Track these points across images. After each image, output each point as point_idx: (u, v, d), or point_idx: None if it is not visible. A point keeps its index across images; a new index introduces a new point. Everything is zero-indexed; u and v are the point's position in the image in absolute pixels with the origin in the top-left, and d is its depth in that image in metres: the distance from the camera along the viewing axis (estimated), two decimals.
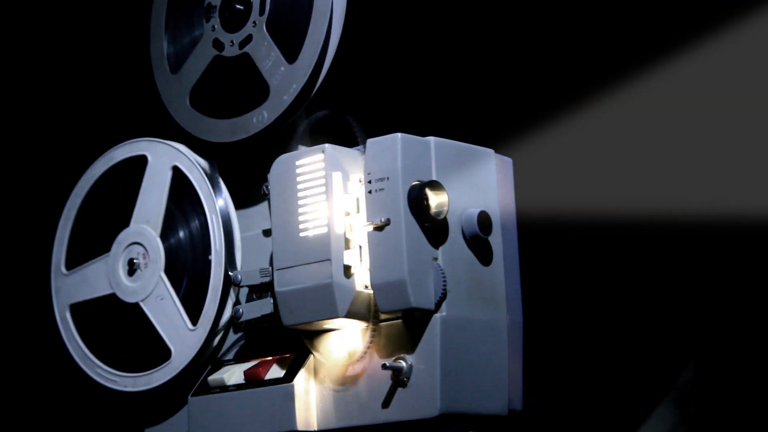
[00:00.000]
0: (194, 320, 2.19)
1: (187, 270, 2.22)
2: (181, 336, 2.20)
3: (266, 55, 2.16)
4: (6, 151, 2.98)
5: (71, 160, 2.49)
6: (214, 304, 2.18)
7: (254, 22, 2.19)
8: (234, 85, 2.21)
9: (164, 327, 2.22)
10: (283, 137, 2.17)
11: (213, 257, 2.19)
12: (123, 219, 2.28)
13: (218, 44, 2.22)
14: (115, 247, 2.28)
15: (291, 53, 2.14)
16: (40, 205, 2.71)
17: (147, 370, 2.23)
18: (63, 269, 2.33)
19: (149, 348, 2.23)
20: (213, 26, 2.24)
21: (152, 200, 2.25)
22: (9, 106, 2.98)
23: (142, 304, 2.24)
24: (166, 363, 2.21)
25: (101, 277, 2.28)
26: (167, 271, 2.23)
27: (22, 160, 2.97)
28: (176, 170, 2.24)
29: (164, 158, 2.26)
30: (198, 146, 2.26)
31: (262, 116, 2.16)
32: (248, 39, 2.19)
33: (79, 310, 2.32)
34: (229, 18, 2.22)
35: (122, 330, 2.27)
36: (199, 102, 2.25)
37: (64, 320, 2.32)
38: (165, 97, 2.28)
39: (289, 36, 2.16)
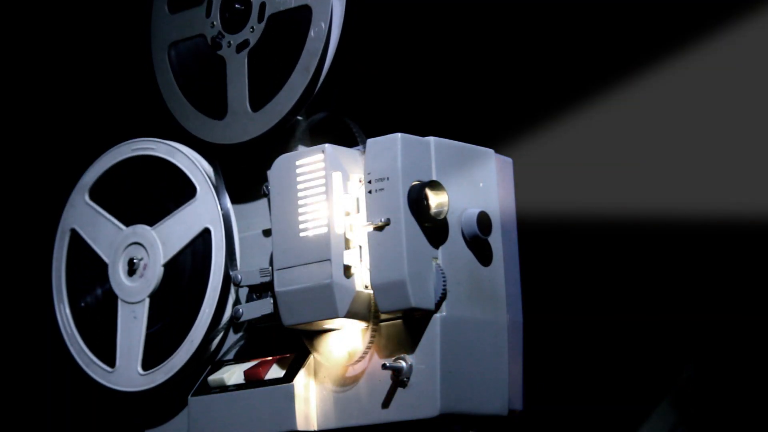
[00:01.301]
0: (149, 363, 2.21)
1: (186, 272, 2.22)
2: (129, 370, 2.22)
3: (236, 82, 2.17)
4: (6, 152, 2.98)
5: (70, 160, 2.49)
6: (213, 304, 2.18)
7: (252, 28, 2.19)
8: (243, 82, 2.21)
9: (122, 343, 2.24)
10: (283, 137, 2.17)
11: (213, 257, 2.20)
12: (145, 212, 2.27)
13: (216, 43, 2.22)
14: (128, 231, 2.27)
15: (258, 98, 2.15)
16: (41, 206, 2.71)
17: (146, 370, 2.23)
18: (87, 197, 2.31)
19: (148, 348, 2.24)
20: (212, 23, 2.24)
21: (177, 234, 2.24)
22: (9, 107, 2.97)
23: (120, 305, 2.25)
24: (163, 364, 2.21)
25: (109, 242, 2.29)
26: (155, 293, 2.23)
27: (21, 161, 2.97)
28: (206, 230, 2.23)
29: (206, 210, 2.23)
30: (199, 146, 2.26)
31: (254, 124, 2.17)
32: (245, 44, 2.19)
33: (79, 310, 2.32)
34: (229, 18, 2.22)
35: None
36: (199, 101, 2.25)
37: (61, 241, 2.32)
38: (164, 91, 2.27)
39: (265, 77, 2.16)
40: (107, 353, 2.27)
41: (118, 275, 2.27)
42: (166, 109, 2.29)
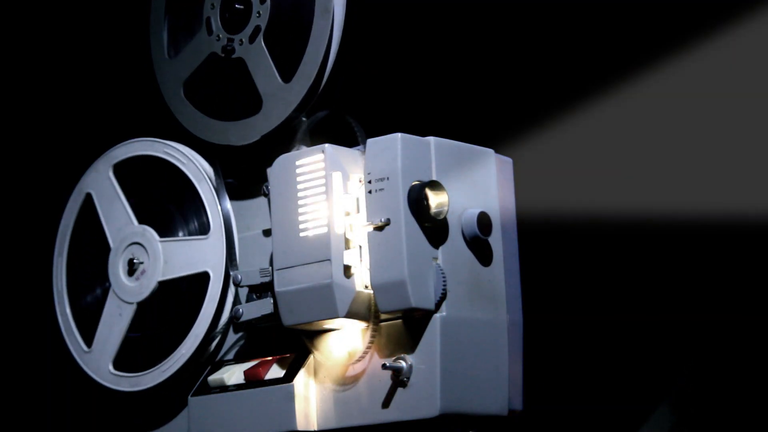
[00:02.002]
0: (122, 365, 2.24)
1: (178, 293, 2.23)
2: (102, 362, 2.25)
3: (260, 67, 2.17)
4: (6, 152, 2.98)
5: (71, 160, 2.49)
6: (213, 304, 2.18)
7: (258, 12, 2.19)
8: (230, 87, 2.21)
9: (102, 331, 2.25)
10: (283, 137, 2.17)
11: (211, 220, 2.20)
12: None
13: (216, 40, 2.22)
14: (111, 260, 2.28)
15: (287, 71, 2.14)
16: (40, 206, 2.71)
17: (145, 370, 2.23)
18: (84, 348, 2.32)
19: (147, 347, 2.24)
20: (210, 18, 2.23)
21: (115, 209, 2.26)
22: (9, 107, 2.98)
23: (111, 295, 2.25)
24: (162, 364, 2.22)
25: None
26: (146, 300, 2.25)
27: (21, 161, 2.97)
28: (138, 161, 2.24)
29: (101, 174, 2.25)
30: (199, 147, 2.26)
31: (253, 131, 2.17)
32: (257, 30, 2.19)
33: (78, 309, 2.32)
34: (229, 18, 2.22)
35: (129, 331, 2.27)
36: (200, 101, 2.25)
37: (75, 202, 2.32)
38: (162, 85, 2.27)
39: (286, 51, 2.15)
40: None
41: (117, 268, 2.27)
42: (168, 110, 2.29)
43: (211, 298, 2.18)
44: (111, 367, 2.25)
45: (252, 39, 2.19)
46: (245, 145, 2.19)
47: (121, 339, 2.24)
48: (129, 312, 2.24)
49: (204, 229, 2.22)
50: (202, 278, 2.19)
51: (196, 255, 2.21)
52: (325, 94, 2.13)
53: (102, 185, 2.31)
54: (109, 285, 2.27)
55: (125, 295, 2.25)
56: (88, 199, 2.32)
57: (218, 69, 2.23)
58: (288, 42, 2.16)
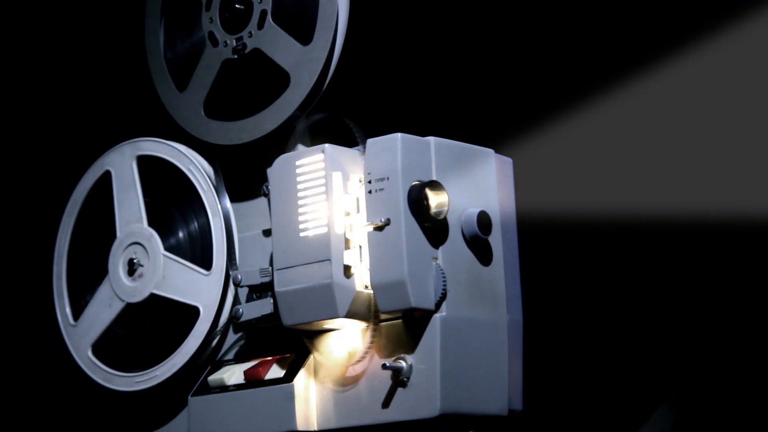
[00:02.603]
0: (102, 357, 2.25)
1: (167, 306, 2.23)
2: (83, 343, 2.26)
3: (278, 44, 2.16)
4: (6, 152, 2.98)
5: (70, 160, 2.49)
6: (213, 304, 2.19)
7: (250, 33, 2.19)
8: (247, 84, 2.21)
9: (90, 312, 2.28)
10: (283, 137, 2.17)
11: (215, 256, 2.20)
12: (112, 230, 2.28)
13: (212, 38, 2.22)
14: (112, 256, 2.28)
15: (303, 37, 2.13)
16: (40, 207, 2.71)
17: (144, 370, 2.23)
18: (71, 320, 2.33)
19: (140, 350, 2.24)
20: (210, 18, 2.23)
21: (130, 199, 2.25)
22: (9, 107, 2.98)
23: (106, 281, 2.27)
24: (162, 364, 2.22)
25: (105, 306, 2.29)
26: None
27: (22, 160, 2.97)
28: (146, 162, 2.23)
29: (125, 157, 2.25)
30: (199, 147, 2.26)
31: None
32: (243, 47, 2.19)
33: (77, 297, 2.32)
34: (229, 19, 2.22)
35: (114, 325, 2.27)
36: (208, 108, 2.24)
37: (87, 360, 2.31)
38: (174, 112, 2.27)
39: (296, 23, 2.15)
40: (107, 352, 2.28)
41: (117, 262, 2.26)
42: (168, 113, 2.29)
43: (196, 335, 2.18)
44: (90, 352, 2.26)
45: (261, 25, 2.18)
46: (245, 144, 2.19)
47: (104, 328, 2.25)
48: (118, 307, 2.25)
49: (207, 259, 2.21)
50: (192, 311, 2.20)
51: (193, 287, 2.20)
52: (328, 93, 2.13)
53: (123, 169, 2.30)
54: (107, 273, 2.27)
55: (120, 288, 2.25)
56: (106, 178, 2.31)
57: (227, 72, 2.22)
58: (296, 18, 2.15)
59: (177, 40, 2.29)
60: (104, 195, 2.31)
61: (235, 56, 2.20)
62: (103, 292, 2.27)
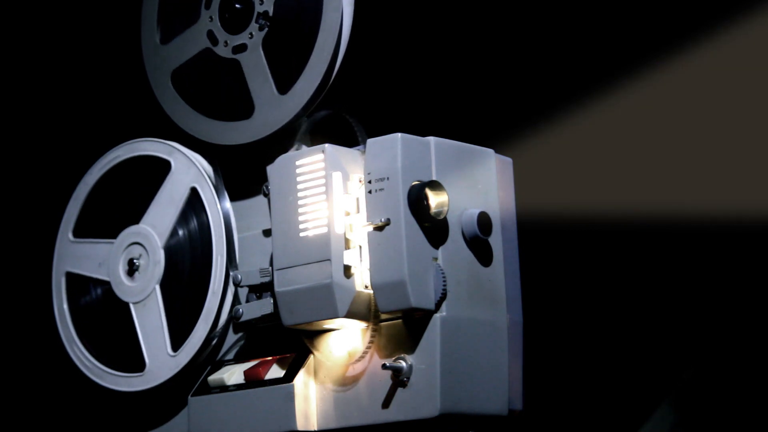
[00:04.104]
0: (176, 344, 2.20)
1: (185, 272, 2.22)
2: (160, 357, 2.21)
3: (257, 74, 2.16)
4: (6, 152, 2.98)
5: (69, 160, 2.49)
6: (214, 304, 2.18)
7: (251, 34, 2.19)
8: (224, 87, 2.21)
9: (146, 339, 2.23)
10: (283, 137, 2.17)
11: (215, 256, 2.20)
12: (134, 214, 2.27)
13: (212, 37, 2.22)
14: (120, 239, 2.27)
15: (283, 82, 2.14)
16: (39, 207, 2.71)
17: (176, 351, 2.23)
18: (70, 235, 2.32)
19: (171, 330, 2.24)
20: (210, 17, 2.23)
21: (164, 210, 2.24)
22: (9, 107, 2.98)
23: (132, 307, 2.24)
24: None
25: (101, 261, 2.28)
26: (163, 282, 2.23)
27: (21, 162, 2.97)
28: (193, 190, 2.23)
29: (186, 174, 2.24)
30: (199, 146, 2.26)
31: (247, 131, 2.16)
32: (242, 48, 2.19)
33: (77, 309, 2.32)
34: (230, 19, 2.22)
35: (119, 329, 2.27)
36: (208, 108, 2.24)
37: (59, 286, 2.32)
38: (173, 112, 2.27)
39: (284, 60, 2.15)
40: (106, 352, 2.28)
41: (122, 283, 2.26)
42: (163, 110, 2.29)
43: (218, 249, 2.17)
44: (171, 352, 2.21)
45: (262, 27, 2.18)
46: (245, 144, 2.19)
47: (166, 325, 2.22)
48: (156, 299, 2.22)
49: (166, 171, 2.22)
50: (204, 265, 2.19)
51: (172, 191, 2.22)
52: (327, 97, 2.14)
53: (71, 256, 2.32)
54: (128, 305, 2.26)
55: (142, 293, 2.24)
56: (70, 276, 2.32)
57: (217, 68, 2.22)
58: (287, 51, 2.15)
59: (175, 39, 2.29)
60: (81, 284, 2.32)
61: (236, 56, 2.20)
62: (138, 320, 2.25)
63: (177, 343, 2.20)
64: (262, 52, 2.17)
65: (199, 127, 2.24)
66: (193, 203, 2.23)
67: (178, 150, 2.24)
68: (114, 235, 2.28)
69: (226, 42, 2.21)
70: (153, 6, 2.31)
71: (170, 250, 2.23)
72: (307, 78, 2.12)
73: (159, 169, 2.26)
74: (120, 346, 2.26)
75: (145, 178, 2.27)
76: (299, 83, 2.13)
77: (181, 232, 2.25)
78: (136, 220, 2.26)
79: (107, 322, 2.28)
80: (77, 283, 2.32)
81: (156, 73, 2.29)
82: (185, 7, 2.27)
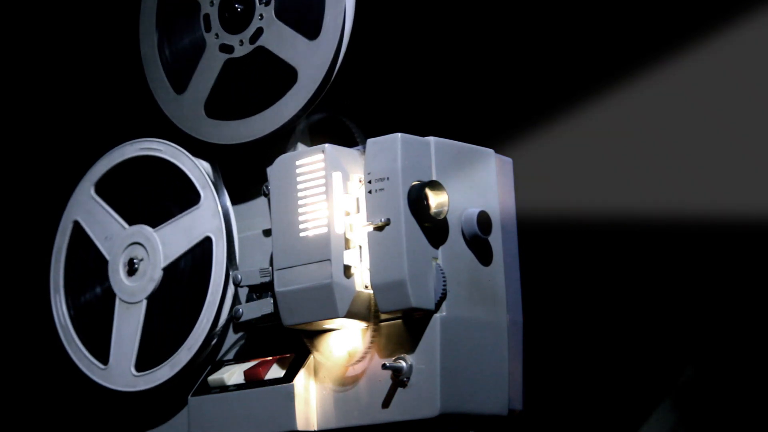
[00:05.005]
0: (144, 364, 2.22)
1: (185, 277, 2.23)
2: (122, 366, 2.23)
3: (284, 41, 2.15)
4: (7, 151, 2.98)
5: (68, 160, 2.49)
6: (214, 304, 2.18)
7: (261, 15, 2.19)
8: (248, 83, 2.20)
9: (117, 340, 2.25)
10: (283, 137, 2.17)
11: (215, 255, 2.20)
12: (151, 212, 2.28)
13: (226, 48, 2.22)
14: (130, 230, 2.27)
15: (310, 31, 2.13)
16: (39, 207, 2.71)
17: (140, 371, 2.23)
18: (92, 190, 2.32)
19: (144, 348, 2.24)
20: (216, 34, 2.23)
21: (177, 239, 2.24)
22: (10, 106, 2.98)
23: (117, 302, 2.26)
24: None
25: (108, 236, 2.29)
26: (152, 297, 2.24)
27: (23, 160, 2.97)
28: (207, 238, 2.23)
29: (209, 221, 2.22)
30: (199, 147, 2.26)
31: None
32: (259, 32, 2.19)
33: (77, 308, 2.32)
34: (230, 19, 2.22)
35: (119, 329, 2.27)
36: (208, 108, 2.24)
37: (64, 231, 2.33)
38: (172, 113, 2.27)
39: (300, 18, 2.15)
40: (103, 351, 2.28)
41: (118, 274, 2.27)
42: (159, 108, 2.29)
43: (218, 262, 2.17)
44: (134, 371, 2.24)
45: (252, 40, 2.18)
46: (246, 144, 2.19)
47: (139, 340, 2.24)
48: (140, 311, 2.24)
49: (195, 200, 2.22)
50: (205, 267, 2.19)
51: (192, 226, 2.21)
52: (333, 90, 2.14)
53: (86, 209, 2.32)
54: (115, 296, 2.27)
55: (132, 296, 2.25)
56: (77, 227, 2.34)
57: (227, 72, 2.23)
58: (301, 14, 2.15)
59: (173, 41, 2.29)
60: (81, 241, 2.32)
61: (237, 56, 2.20)
62: (118, 317, 2.25)
63: (146, 362, 2.22)
64: (278, 20, 2.15)
65: (202, 128, 2.24)
66: (203, 245, 2.23)
67: (207, 179, 2.23)
68: (128, 220, 2.28)
69: (241, 41, 2.20)
70: (152, 14, 2.31)
71: (169, 271, 2.23)
72: (306, 77, 2.12)
73: (184, 184, 2.25)
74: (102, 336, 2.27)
75: (177, 184, 2.26)
76: (324, 29, 2.12)
77: None
78: (152, 220, 2.26)
79: (106, 318, 2.28)
80: (76, 282, 2.33)
81: (155, 77, 2.29)
82: (183, 11, 2.27)
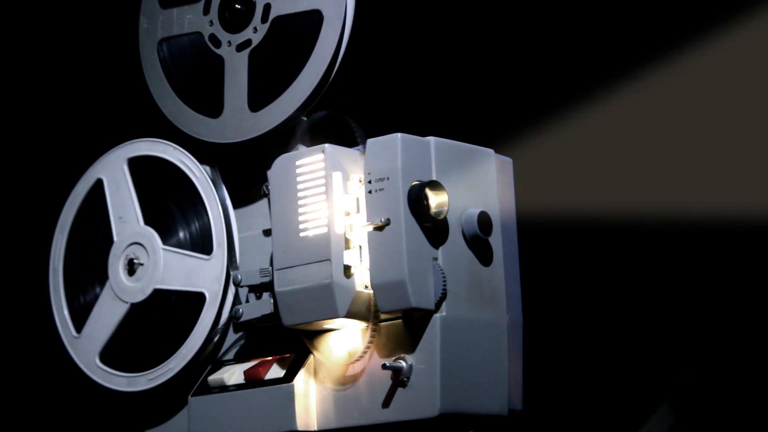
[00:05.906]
0: (110, 361, 2.25)
1: (175, 304, 2.23)
2: (90, 352, 2.25)
3: (237, 78, 2.16)
4: (6, 151, 2.98)
5: (68, 159, 2.49)
6: (214, 306, 2.18)
7: (255, 28, 2.19)
8: (248, 81, 2.21)
9: (94, 317, 2.26)
10: (283, 137, 2.17)
11: (203, 315, 2.20)
12: (162, 212, 2.27)
13: (227, 46, 2.22)
14: (139, 225, 2.27)
15: (282, 81, 2.14)
16: (39, 207, 2.71)
17: (145, 370, 2.23)
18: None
19: (148, 348, 2.24)
20: (213, 34, 2.23)
21: (125, 207, 2.25)
22: (8, 106, 2.98)
23: (107, 286, 2.26)
24: (163, 364, 2.22)
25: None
26: (137, 304, 2.25)
27: (21, 161, 2.97)
28: (145, 162, 2.22)
29: (117, 162, 2.24)
30: (199, 146, 2.26)
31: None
32: (247, 43, 2.19)
33: (77, 308, 2.32)
34: (230, 18, 2.22)
35: (120, 329, 2.27)
36: (193, 98, 2.24)
37: (85, 186, 2.31)
38: (171, 113, 2.26)
39: (285, 58, 2.15)
40: (80, 320, 2.28)
41: (118, 262, 2.26)
42: (156, 107, 2.28)
43: (203, 323, 2.18)
44: (98, 360, 2.25)
45: (239, 48, 2.19)
46: (246, 143, 2.19)
47: (110, 335, 2.25)
48: (122, 310, 2.24)
49: (207, 246, 2.21)
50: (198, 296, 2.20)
51: (194, 273, 2.20)
52: (286, 132, 2.14)
53: (115, 174, 2.29)
54: (107, 278, 2.27)
55: (121, 291, 2.25)
56: (98, 186, 2.31)
57: (200, 58, 2.22)
58: (271, 70, 2.15)
59: (172, 41, 2.29)
60: (96, 206, 2.30)
61: (239, 54, 2.20)
62: (103, 299, 2.26)
63: (146, 362, 2.22)
64: (247, 59, 2.16)
65: (202, 128, 2.24)
66: (194, 203, 2.23)
67: (225, 230, 2.22)
68: (145, 217, 2.28)
69: (230, 42, 2.20)
70: (151, 13, 2.31)
71: (159, 293, 2.23)
72: (306, 77, 2.12)
73: (201, 205, 2.24)
74: (122, 347, 2.27)
75: (182, 196, 2.26)
76: (298, 81, 2.13)
77: (182, 234, 2.25)
78: (162, 230, 2.25)
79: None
80: (76, 294, 2.33)
81: (154, 77, 2.29)
82: (182, 12, 2.27)
